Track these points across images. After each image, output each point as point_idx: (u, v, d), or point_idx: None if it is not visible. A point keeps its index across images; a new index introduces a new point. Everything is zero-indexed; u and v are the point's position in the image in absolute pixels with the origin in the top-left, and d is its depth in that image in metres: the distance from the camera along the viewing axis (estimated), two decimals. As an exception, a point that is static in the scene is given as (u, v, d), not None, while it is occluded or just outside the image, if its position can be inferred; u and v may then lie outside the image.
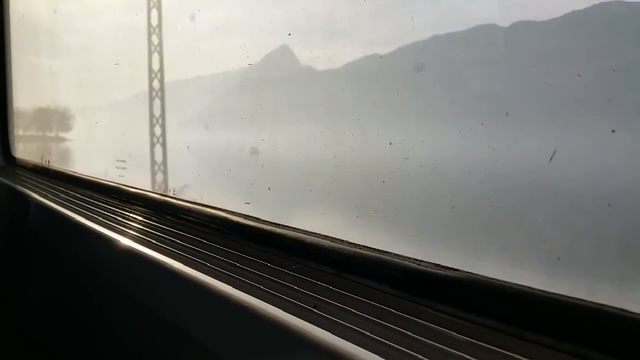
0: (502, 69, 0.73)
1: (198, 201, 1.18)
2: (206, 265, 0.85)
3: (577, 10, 0.63)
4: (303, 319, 0.61)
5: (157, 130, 1.63)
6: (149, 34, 1.54)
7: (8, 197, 2.05)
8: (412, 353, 0.51)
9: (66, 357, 1.46)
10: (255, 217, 0.99)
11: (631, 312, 0.45)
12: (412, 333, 0.56)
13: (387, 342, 0.54)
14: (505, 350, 0.50)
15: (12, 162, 2.63)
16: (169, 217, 1.23)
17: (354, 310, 0.63)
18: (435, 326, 0.57)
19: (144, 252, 0.97)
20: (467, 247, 0.78)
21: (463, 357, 0.50)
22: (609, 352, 0.45)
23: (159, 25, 1.53)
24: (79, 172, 1.97)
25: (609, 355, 0.45)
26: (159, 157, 1.65)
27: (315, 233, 0.84)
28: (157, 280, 0.93)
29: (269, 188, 0.96)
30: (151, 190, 1.39)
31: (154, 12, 1.54)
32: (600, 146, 0.61)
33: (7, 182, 2.11)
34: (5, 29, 2.66)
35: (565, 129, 0.65)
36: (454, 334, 0.54)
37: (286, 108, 1.04)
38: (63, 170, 2.10)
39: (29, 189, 1.84)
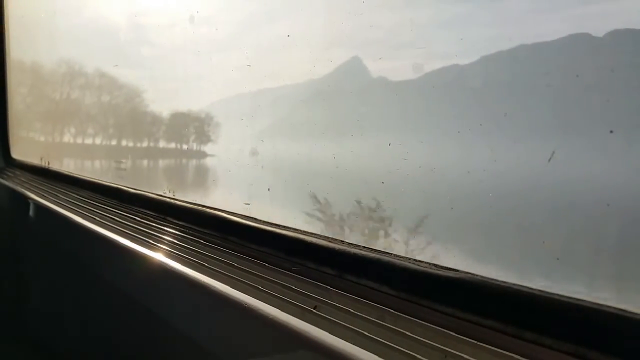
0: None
1: (197, 202, 1.18)
2: (206, 266, 0.85)
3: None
4: (303, 320, 0.61)
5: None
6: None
7: (8, 199, 2.05)
8: (412, 353, 0.51)
9: (66, 357, 1.46)
10: (254, 218, 0.99)
11: (631, 312, 0.45)
12: (412, 333, 0.56)
13: (387, 342, 0.54)
14: (505, 350, 0.50)
15: (12, 163, 2.63)
16: (168, 218, 1.23)
17: (353, 311, 0.63)
18: (435, 326, 0.57)
19: (144, 253, 0.97)
20: (466, 247, 0.79)
21: (463, 357, 0.50)
22: (609, 352, 0.45)
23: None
24: (78, 173, 1.97)
25: (609, 355, 0.45)
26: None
27: (314, 234, 0.84)
28: (157, 281, 0.93)
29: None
30: (150, 192, 1.39)
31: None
32: (599, 146, 0.62)
33: (7, 183, 2.11)
34: (3, 31, 2.66)
35: (563, 130, 0.65)
36: (454, 334, 0.54)
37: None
38: (62, 172, 2.10)
39: (29, 190, 1.83)
